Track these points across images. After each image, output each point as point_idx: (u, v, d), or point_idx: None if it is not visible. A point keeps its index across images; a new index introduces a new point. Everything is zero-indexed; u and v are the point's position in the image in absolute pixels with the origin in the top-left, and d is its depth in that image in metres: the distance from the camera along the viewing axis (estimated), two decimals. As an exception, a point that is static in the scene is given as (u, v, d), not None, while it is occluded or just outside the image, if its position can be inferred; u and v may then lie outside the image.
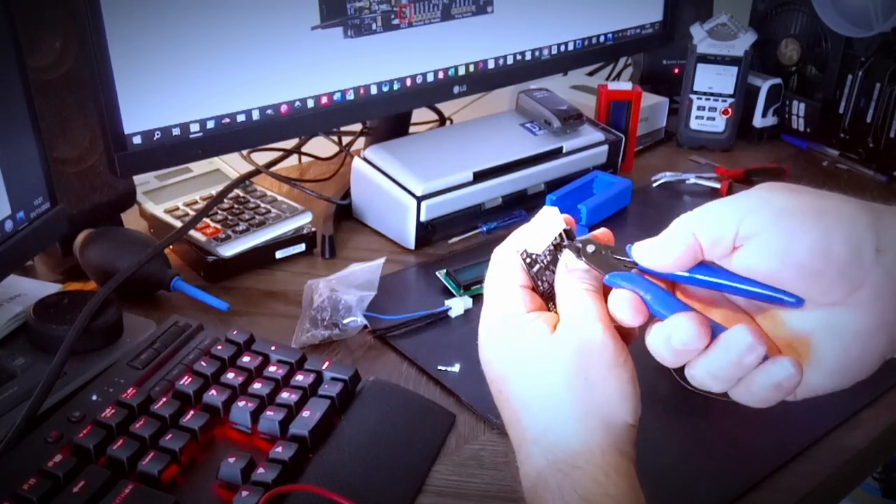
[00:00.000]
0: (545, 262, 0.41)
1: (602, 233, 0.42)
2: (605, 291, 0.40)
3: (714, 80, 1.04)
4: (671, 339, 0.36)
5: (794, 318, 0.37)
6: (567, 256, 0.41)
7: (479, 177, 0.83)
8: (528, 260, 0.41)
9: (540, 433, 0.39)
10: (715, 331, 0.36)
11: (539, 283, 0.41)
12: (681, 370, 0.66)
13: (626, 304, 0.38)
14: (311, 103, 0.75)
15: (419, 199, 0.78)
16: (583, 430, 0.38)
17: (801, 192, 0.38)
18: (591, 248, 0.41)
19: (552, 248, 0.41)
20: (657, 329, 0.37)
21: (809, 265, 0.35)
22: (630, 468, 0.38)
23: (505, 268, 0.42)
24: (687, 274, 0.39)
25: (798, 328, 0.37)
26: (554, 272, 0.41)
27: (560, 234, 0.41)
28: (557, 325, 0.39)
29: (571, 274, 0.40)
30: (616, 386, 0.38)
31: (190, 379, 0.55)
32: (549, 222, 0.41)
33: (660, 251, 0.39)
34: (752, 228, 0.36)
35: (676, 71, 1.17)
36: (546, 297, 0.42)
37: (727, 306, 0.40)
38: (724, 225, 0.37)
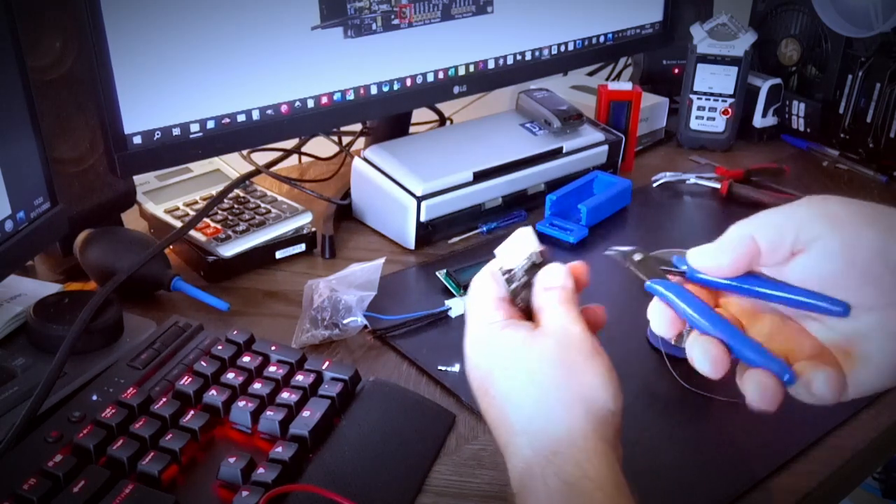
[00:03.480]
0: (522, 281, 0.44)
1: (576, 266, 0.45)
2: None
3: (714, 81, 1.04)
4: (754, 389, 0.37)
5: (846, 320, 0.38)
6: (543, 275, 0.44)
7: (479, 177, 0.83)
8: (507, 277, 0.45)
9: (526, 422, 0.40)
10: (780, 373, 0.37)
11: (517, 299, 0.45)
12: (680, 370, 0.66)
13: (662, 316, 0.40)
14: (311, 103, 0.75)
15: (419, 199, 0.78)
16: (567, 416, 0.39)
17: (854, 202, 0.39)
18: (637, 257, 0.44)
19: (528, 269, 0.44)
20: (742, 373, 0.38)
21: (870, 269, 0.36)
22: (611, 454, 0.39)
23: (485, 283, 0.45)
24: (735, 283, 0.39)
25: (850, 331, 0.38)
26: (530, 291, 0.44)
27: (536, 255, 0.45)
28: (538, 327, 0.43)
29: (549, 291, 0.44)
30: (597, 372, 0.40)
31: (190, 379, 0.55)
32: (523, 241, 0.45)
33: (718, 254, 0.39)
34: (811, 234, 0.37)
35: (676, 71, 1.17)
36: (523, 313, 0.45)
37: (773, 313, 0.40)
38: (784, 230, 0.37)
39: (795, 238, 0.37)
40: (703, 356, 0.38)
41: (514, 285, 0.44)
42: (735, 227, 0.39)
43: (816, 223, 0.37)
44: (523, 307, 0.44)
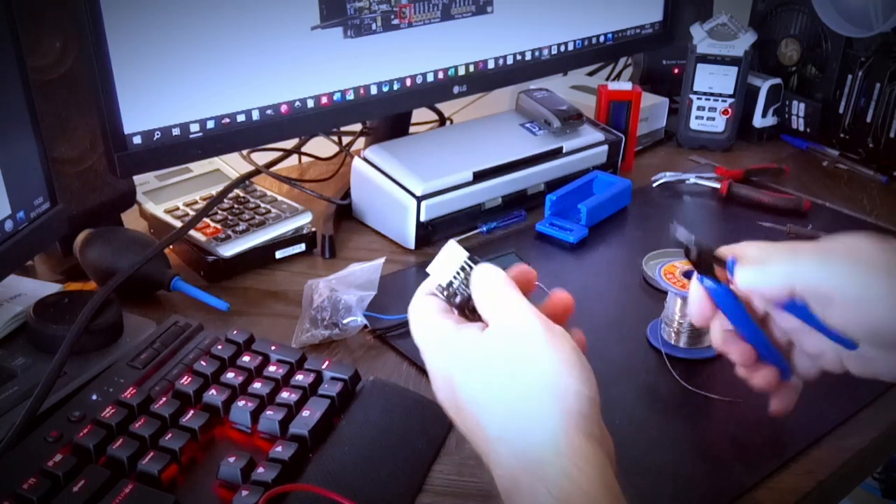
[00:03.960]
0: (465, 294, 0.44)
1: (520, 271, 0.45)
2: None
3: (714, 81, 1.04)
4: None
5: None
6: (474, 277, 0.44)
7: (479, 177, 0.83)
8: (447, 293, 0.44)
9: (500, 427, 0.39)
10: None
11: (466, 312, 0.44)
12: (680, 370, 0.66)
13: (698, 303, 0.48)
14: (311, 103, 0.76)
15: (419, 199, 0.79)
16: (541, 414, 0.37)
17: (886, 249, 0.46)
18: (694, 251, 0.47)
19: (465, 279, 0.44)
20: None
21: (886, 334, 0.44)
22: (600, 454, 0.37)
23: (423, 303, 0.45)
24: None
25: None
26: (465, 289, 0.44)
27: (466, 262, 0.44)
28: (485, 327, 0.42)
29: (482, 288, 0.43)
30: (557, 357, 0.39)
31: (190, 379, 0.55)
32: (452, 254, 0.45)
33: (760, 279, 0.47)
34: (838, 289, 0.45)
35: (676, 71, 1.17)
36: (469, 318, 0.44)
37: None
38: (817, 282, 0.45)
39: (826, 289, 0.44)
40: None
41: (458, 299, 0.43)
42: (779, 262, 0.46)
43: (848, 276, 0.44)
44: (469, 315, 0.43)
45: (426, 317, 0.44)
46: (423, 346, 0.44)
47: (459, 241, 0.87)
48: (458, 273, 0.44)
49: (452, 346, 0.42)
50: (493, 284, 0.42)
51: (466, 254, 0.44)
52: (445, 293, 0.44)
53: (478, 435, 0.40)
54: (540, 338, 0.39)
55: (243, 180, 0.84)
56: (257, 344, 0.59)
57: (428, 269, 0.45)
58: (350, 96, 0.78)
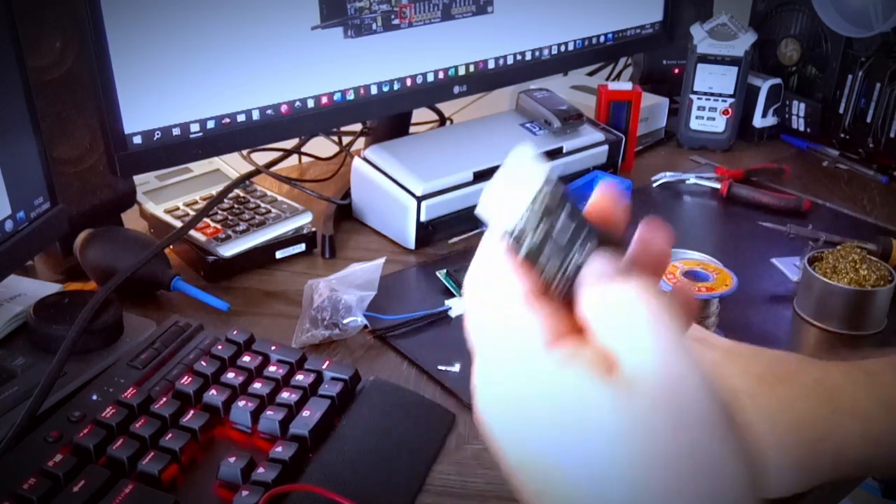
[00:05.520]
0: (537, 240, 0.26)
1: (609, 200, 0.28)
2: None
3: (714, 81, 1.04)
4: None
5: None
6: (589, 272, 0.25)
7: (480, 177, 0.83)
8: (516, 244, 0.26)
9: None
10: None
11: (554, 282, 0.26)
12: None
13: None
14: (311, 103, 0.75)
15: (419, 199, 0.78)
16: None
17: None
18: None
19: (542, 217, 0.26)
20: None
21: None
22: None
23: (497, 271, 0.27)
24: None
25: None
26: (563, 251, 0.26)
27: (546, 192, 0.26)
28: (614, 360, 0.24)
29: (604, 263, 0.25)
30: (735, 454, 0.23)
31: (190, 379, 0.55)
32: (520, 171, 0.26)
33: None
34: None
35: (676, 71, 1.17)
36: (566, 298, 0.26)
37: None
38: None
39: None
40: None
41: (524, 249, 0.26)
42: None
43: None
44: (563, 286, 0.26)
45: (500, 306, 0.26)
46: (481, 356, 0.27)
47: (459, 241, 0.87)
48: (529, 210, 0.26)
49: (548, 411, 0.24)
50: (626, 291, 0.25)
51: (543, 173, 0.26)
52: (516, 244, 0.26)
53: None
54: (725, 418, 0.23)
55: (243, 180, 0.84)
56: (257, 344, 0.59)
57: (481, 201, 0.27)
58: (350, 96, 0.78)
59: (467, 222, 0.84)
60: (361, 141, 0.94)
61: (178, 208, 0.78)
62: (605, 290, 0.25)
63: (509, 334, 0.26)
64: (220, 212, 0.78)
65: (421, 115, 0.98)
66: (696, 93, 1.05)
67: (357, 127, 0.94)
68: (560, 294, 0.26)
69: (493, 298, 0.27)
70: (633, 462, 0.23)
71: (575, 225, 0.26)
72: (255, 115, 0.72)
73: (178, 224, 0.75)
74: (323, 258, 0.79)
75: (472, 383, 0.27)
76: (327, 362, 0.57)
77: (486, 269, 0.27)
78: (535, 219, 0.26)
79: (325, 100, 0.76)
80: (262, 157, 0.90)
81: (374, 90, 0.80)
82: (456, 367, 0.62)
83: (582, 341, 0.25)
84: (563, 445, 0.24)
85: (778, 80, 1.07)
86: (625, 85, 0.98)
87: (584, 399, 0.24)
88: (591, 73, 1.25)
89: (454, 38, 0.84)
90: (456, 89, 0.86)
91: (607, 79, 1.26)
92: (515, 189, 0.26)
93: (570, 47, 0.95)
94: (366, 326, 0.66)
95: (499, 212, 0.27)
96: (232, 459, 0.48)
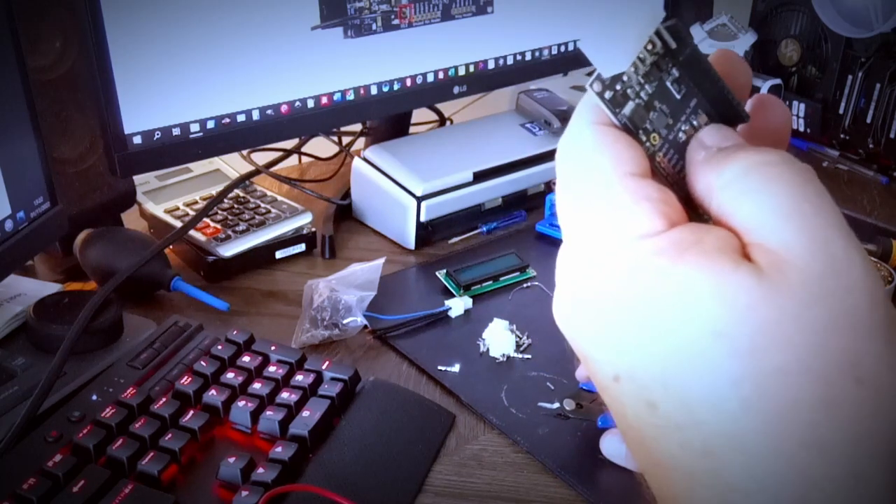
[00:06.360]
0: (644, 97, 0.21)
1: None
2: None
3: (714, 81, 1.04)
4: None
5: None
6: (708, 135, 0.20)
7: (479, 177, 0.83)
8: (611, 98, 0.21)
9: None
10: None
11: (660, 154, 0.21)
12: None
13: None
14: (311, 103, 0.75)
15: (419, 200, 0.79)
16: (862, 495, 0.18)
17: None
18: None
19: (651, 67, 0.21)
20: None
21: None
22: None
23: (589, 143, 0.22)
24: None
25: None
26: (674, 115, 0.21)
27: (660, 36, 0.20)
28: (752, 244, 0.20)
29: (726, 132, 0.21)
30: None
31: (190, 379, 0.55)
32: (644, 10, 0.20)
33: None
34: None
35: (676, 71, 1.17)
36: (676, 181, 0.21)
37: None
38: None
39: None
40: None
41: (625, 109, 0.21)
42: None
43: None
44: (673, 162, 0.21)
45: (597, 188, 0.21)
46: (582, 273, 0.21)
47: (459, 241, 0.87)
48: (641, 55, 0.20)
49: (652, 297, 0.19)
50: (762, 159, 0.20)
51: (661, 7, 0.20)
52: (609, 99, 0.21)
53: (678, 467, 0.20)
54: (885, 330, 0.19)
55: (243, 180, 0.84)
56: (257, 344, 0.59)
57: (584, 41, 0.21)
58: (350, 96, 0.78)
59: (467, 222, 0.84)
60: (361, 141, 0.94)
61: (177, 208, 0.78)
62: (738, 159, 0.20)
63: (602, 220, 0.20)
64: (219, 212, 0.78)
65: (421, 115, 0.98)
66: (696, 93, 1.05)
67: (357, 127, 0.94)
68: (668, 172, 0.21)
69: (584, 175, 0.21)
70: (781, 368, 0.18)
71: (690, 87, 0.20)
72: (255, 116, 0.72)
73: (178, 224, 0.75)
74: (323, 258, 0.80)
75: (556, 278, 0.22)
76: (327, 362, 0.57)
77: (579, 136, 0.22)
78: (644, 72, 0.20)
79: (325, 100, 0.76)
80: (261, 158, 0.90)
81: (374, 90, 0.80)
82: (456, 368, 0.62)
83: (700, 227, 0.20)
84: (682, 355, 0.19)
85: (778, 81, 1.07)
86: (625, 85, 0.98)
87: (715, 295, 0.18)
88: (590, 74, 1.25)
89: (454, 39, 0.84)
90: (456, 89, 0.86)
91: (607, 79, 1.26)
92: (629, 29, 0.20)
93: (570, 48, 0.95)
94: (365, 327, 0.66)
95: (604, 56, 0.20)
96: (231, 460, 0.48)
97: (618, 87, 0.21)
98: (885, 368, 0.19)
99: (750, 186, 0.20)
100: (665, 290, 0.19)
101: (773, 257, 0.19)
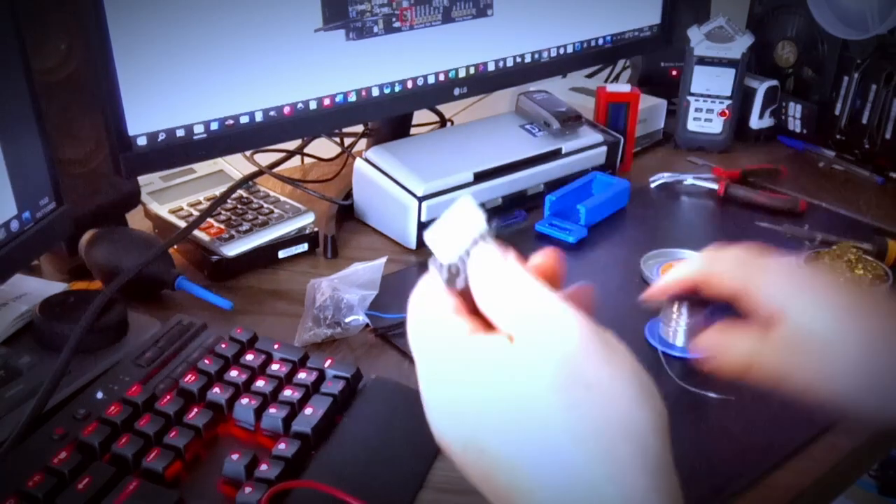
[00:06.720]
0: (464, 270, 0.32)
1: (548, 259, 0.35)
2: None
3: (711, 82, 1.05)
4: None
5: None
6: (485, 251, 0.32)
7: (480, 177, 0.83)
8: (446, 275, 0.33)
9: (548, 480, 0.28)
10: None
11: (468, 299, 0.33)
12: (677, 369, 0.67)
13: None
14: (313, 105, 0.76)
15: (420, 200, 0.79)
16: (610, 459, 0.28)
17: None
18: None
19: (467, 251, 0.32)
20: None
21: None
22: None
23: (426, 296, 0.34)
24: None
25: None
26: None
27: (479, 235, 0.32)
28: (516, 335, 0.30)
29: (491, 280, 0.32)
30: (624, 378, 0.29)
31: (194, 377, 0.55)
32: (461, 219, 0.32)
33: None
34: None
35: (674, 73, 1.17)
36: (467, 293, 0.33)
37: None
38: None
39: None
40: None
41: (460, 283, 0.32)
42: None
43: None
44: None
45: (428, 317, 0.33)
46: (420, 358, 0.33)
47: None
48: (468, 250, 0.32)
49: (466, 362, 0.31)
50: (506, 273, 0.31)
51: (483, 220, 0.32)
52: (445, 274, 0.33)
53: (504, 489, 0.30)
54: (608, 353, 0.29)
55: (247, 181, 0.84)
56: (260, 342, 0.60)
57: (426, 236, 0.33)
58: (352, 98, 0.79)
59: (467, 223, 0.84)
60: (363, 142, 0.95)
61: (182, 209, 0.79)
62: (491, 280, 0.32)
63: (436, 329, 0.33)
64: (223, 212, 0.79)
65: (422, 116, 0.99)
66: (693, 94, 1.06)
67: (359, 128, 0.95)
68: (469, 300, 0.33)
69: (430, 314, 0.33)
70: (538, 390, 0.29)
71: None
72: (259, 117, 0.73)
73: (182, 224, 0.75)
74: (325, 258, 0.80)
75: (421, 392, 0.33)
76: (329, 360, 0.58)
77: (427, 293, 0.34)
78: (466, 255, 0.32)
79: (327, 101, 0.77)
80: (265, 158, 0.90)
81: (375, 92, 0.80)
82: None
83: (491, 333, 0.32)
84: (482, 396, 0.30)
85: (775, 82, 1.08)
86: (623, 87, 0.98)
87: (492, 354, 0.31)
88: (589, 75, 1.26)
89: (454, 41, 0.84)
90: (456, 91, 0.87)
91: (606, 81, 1.26)
92: (456, 233, 0.33)
93: (569, 50, 0.96)
94: (367, 325, 0.67)
95: (441, 249, 0.33)
96: (235, 456, 0.49)
97: (452, 269, 0.33)
98: (605, 377, 0.29)
99: (495, 308, 0.33)
100: (471, 359, 0.31)
101: (527, 329, 0.30)
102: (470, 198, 0.33)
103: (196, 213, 0.77)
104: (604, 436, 0.28)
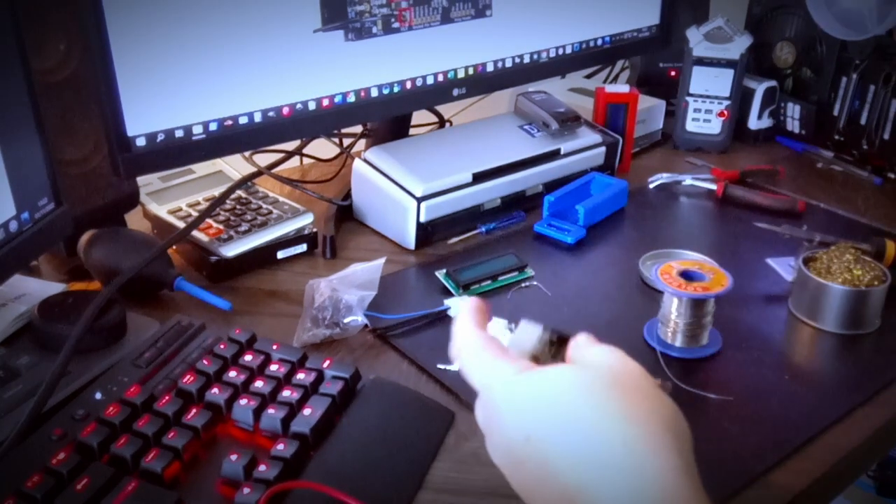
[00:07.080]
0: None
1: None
2: None
3: (710, 83, 1.05)
4: None
5: None
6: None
7: (479, 178, 0.83)
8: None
9: (606, 485, 0.34)
10: None
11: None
12: (675, 369, 0.67)
13: None
14: (312, 105, 0.76)
15: (419, 200, 0.79)
16: (661, 447, 0.35)
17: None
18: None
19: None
20: None
21: None
22: None
23: (475, 338, 0.44)
24: None
25: None
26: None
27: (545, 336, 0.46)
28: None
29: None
30: (656, 389, 0.38)
31: (192, 377, 0.55)
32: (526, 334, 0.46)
33: None
34: None
35: (673, 73, 1.18)
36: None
37: None
38: None
39: None
40: None
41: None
42: None
43: None
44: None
45: (486, 353, 0.43)
46: (495, 396, 0.40)
47: (459, 242, 0.88)
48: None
49: (546, 397, 0.37)
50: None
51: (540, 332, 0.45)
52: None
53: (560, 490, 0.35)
54: (637, 371, 0.38)
55: (245, 181, 0.84)
56: (259, 343, 0.60)
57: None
58: (351, 98, 0.79)
59: (466, 223, 0.85)
60: (362, 143, 0.95)
61: (180, 209, 0.79)
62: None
63: (497, 364, 0.42)
64: (222, 213, 0.79)
65: (420, 117, 0.99)
66: (692, 95, 1.06)
67: (358, 129, 0.95)
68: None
69: (478, 348, 0.44)
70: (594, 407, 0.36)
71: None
72: (258, 118, 0.73)
73: (181, 225, 0.75)
74: (324, 258, 0.80)
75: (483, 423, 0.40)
76: (328, 361, 0.58)
77: (471, 338, 0.46)
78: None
79: (326, 102, 0.77)
80: (263, 159, 0.90)
81: (374, 92, 0.80)
82: (455, 366, 0.63)
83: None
84: (557, 413, 0.37)
85: (773, 83, 1.08)
86: (622, 87, 0.99)
87: (561, 377, 0.38)
88: (588, 76, 1.26)
89: (453, 42, 0.85)
90: (455, 92, 0.87)
91: (605, 81, 1.26)
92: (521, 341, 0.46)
93: (568, 50, 0.96)
94: (366, 326, 0.67)
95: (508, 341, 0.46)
96: (234, 457, 0.49)
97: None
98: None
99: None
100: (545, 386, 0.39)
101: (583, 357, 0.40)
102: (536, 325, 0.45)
103: (195, 214, 0.77)
104: (649, 415, 0.36)
